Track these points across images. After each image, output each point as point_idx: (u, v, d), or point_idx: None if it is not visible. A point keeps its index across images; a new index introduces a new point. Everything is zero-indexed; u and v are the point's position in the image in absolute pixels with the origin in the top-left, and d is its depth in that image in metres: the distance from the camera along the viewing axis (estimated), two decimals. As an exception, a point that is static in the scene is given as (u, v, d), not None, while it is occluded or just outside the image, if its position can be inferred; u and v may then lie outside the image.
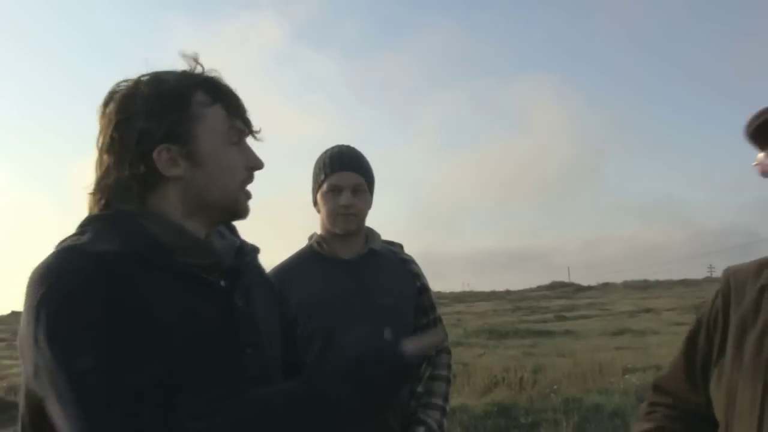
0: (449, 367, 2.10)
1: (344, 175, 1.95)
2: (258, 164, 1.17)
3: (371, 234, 2.08)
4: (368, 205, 2.01)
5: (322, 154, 2.02)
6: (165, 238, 1.05)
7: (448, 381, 2.06)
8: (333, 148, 2.03)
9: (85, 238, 1.01)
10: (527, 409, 6.94)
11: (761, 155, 1.15)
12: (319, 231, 2.04)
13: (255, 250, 1.26)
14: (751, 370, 1.10)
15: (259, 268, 1.30)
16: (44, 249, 1.04)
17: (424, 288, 2.11)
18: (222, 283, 1.10)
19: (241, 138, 1.15)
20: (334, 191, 1.94)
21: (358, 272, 1.98)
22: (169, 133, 1.06)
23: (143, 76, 1.10)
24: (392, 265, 2.07)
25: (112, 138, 1.06)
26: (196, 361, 1.01)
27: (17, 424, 1.04)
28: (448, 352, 2.13)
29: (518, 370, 9.05)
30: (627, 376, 8.20)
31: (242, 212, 1.17)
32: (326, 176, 1.95)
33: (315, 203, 2.03)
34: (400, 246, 2.22)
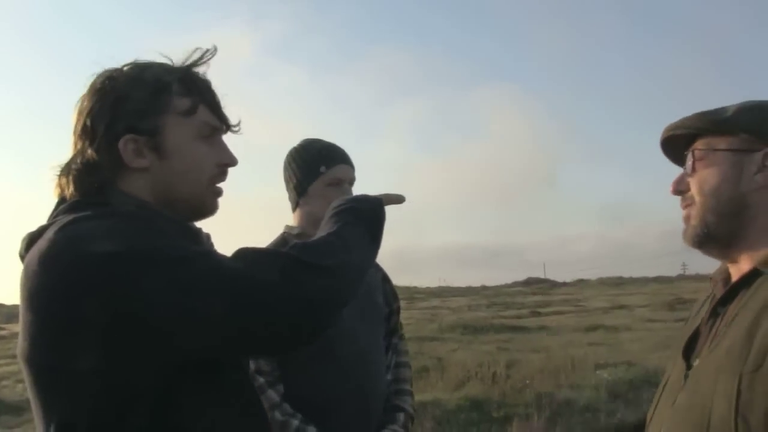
0: (408, 353, 2.15)
1: (344, 168, 1.94)
2: (230, 161, 1.16)
3: None
4: None
5: (306, 147, 1.97)
6: (162, 225, 1.04)
7: (409, 366, 2.12)
8: (316, 141, 1.99)
9: (92, 229, 0.98)
10: (500, 404, 6.96)
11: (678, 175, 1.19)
12: (291, 223, 1.99)
13: (208, 237, 1.23)
14: (669, 366, 1.20)
15: None
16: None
17: (386, 278, 2.12)
18: None
19: (213, 133, 1.14)
20: (336, 184, 1.91)
21: None
22: (136, 124, 1.06)
23: (125, 65, 1.11)
24: None
25: (84, 124, 1.08)
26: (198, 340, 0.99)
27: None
28: (405, 339, 2.19)
29: (492, 365, 9.08)
30: (599, 372, 8.27)
31: (208, 210, 1.16)
32: (328, 168, 1.92)
33: (302, 194, 1.95)
34: None
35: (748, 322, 0.99)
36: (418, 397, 6.69)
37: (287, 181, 1.99)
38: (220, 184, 1.16)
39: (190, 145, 1.10)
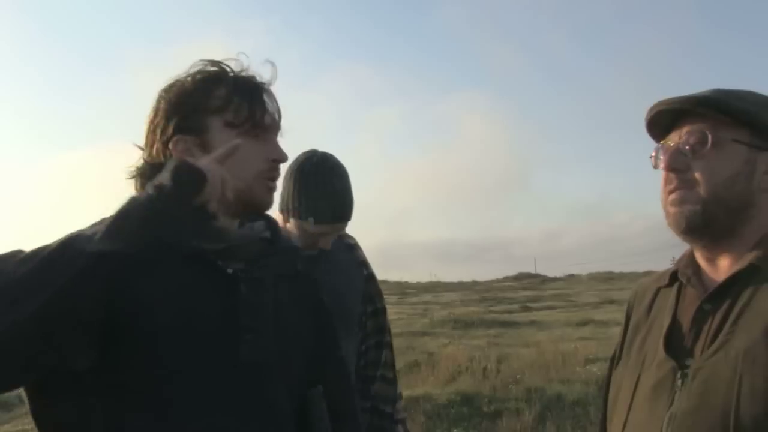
0: (386, 364, 2.10)
1: (337, 227, 1.90)
2: (279, 156, 1.21)
3: None
4: None
5: (319, 177, 1.88)
6: (178, 221, 1.07)
7: (387, 380, 2.09)
8: (333, 178, 1.89)
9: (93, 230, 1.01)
10: (490, 398, 6.99)
11: (656, 147, 1.15)
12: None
13: (293, 249, 1.33)
14: (632, 366, 1.16)
15: (294, 265, 1.30)
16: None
17: (371, 276, 2.10)
18: (229, 270, 1.14)
19: (260, 131, 1.19)
20: (320, 235, 1.89)
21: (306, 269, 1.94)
22: (184, 125, 1.16)
23: (181, 75, 1.20)
24: (341, 262, 2.01)
25: (147, 132, 1.20)
26: (194, 340, 1.05)
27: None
28: (390, 347, 2.13)
29: (482, 359, 9.11)
30: (588, 366, 8.30)
31: (260, 203, 1.21)
32: (317, 221, 1.86)
33: (284, 211, 1.92)
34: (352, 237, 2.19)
35: (763, 324, 0.96)
36: (409, 392, 6.71)
37: (284, 188, 1.93)
38: (273, 181, 1.22)
39: (235, 141, 1.15)
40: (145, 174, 1.18)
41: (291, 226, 1.93)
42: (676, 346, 1.08)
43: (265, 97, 1.22)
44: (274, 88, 1.24)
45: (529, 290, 36.57)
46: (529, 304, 24.05)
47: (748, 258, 1.04)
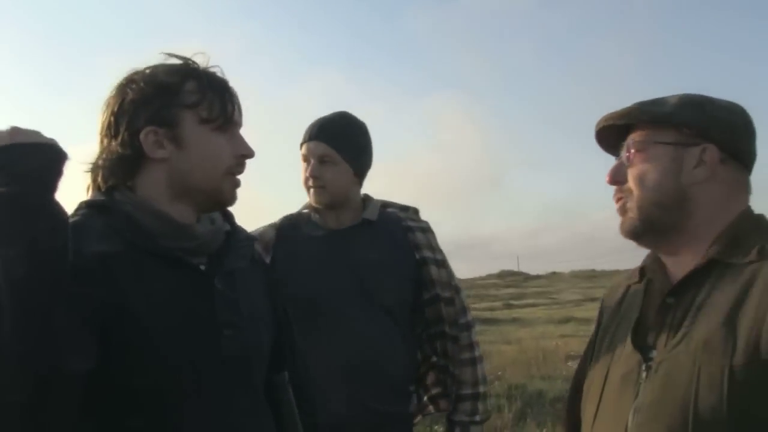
0: (470, 347, 2.01)
1: (311, 144, 1.87)
2: (248, 152, 1.20)
3: (368, 203, 1.97)
4: (342, 176, 1.88)
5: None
6: (147, 223, 1.11)
7: (472, 362, 2.00)
8: (323, 116, 1.94)
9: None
10: (472, 395, 7.00)
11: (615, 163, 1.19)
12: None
13: (249, 238, 1.31)
14: (603, 360, 1.20)
15: (251, 254, 1.30)
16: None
17: (424, 261, 1.94)
18: (202, 266, 1.15)
19: (229, 126, 1.18)
20: (305, 162, 1.88)
21: (344, 244, 1.89)
22: (156, 116, 1.12)
23: (146, 68, 1.17)
24: (388, 236, 1.94)
25: (109, 121, 1.14)
26: (173, 340, 1.06)
27: None
28: (467, 329, 2.02)
29: (465, 356, 9.12)
30: (570, 363, 8.36)
31: (227, 199, 1.20)
32: (300, 146, 1.91)
33: None
34: (415, 210, 2.08)
35: (722, 315, 0.99)
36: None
37: None
38: (239, 176, 1.20)
39: (206, 136, 1.15)
40: (114, 166, 1.14)
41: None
42: (643, 339, 1.12)
43: (232, 93, 1.21)
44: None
45: (512, 288, 36.76)
46: (511, 302, 24.18)
47: (708, 253, 1.07)
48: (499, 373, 8.01)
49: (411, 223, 2.00)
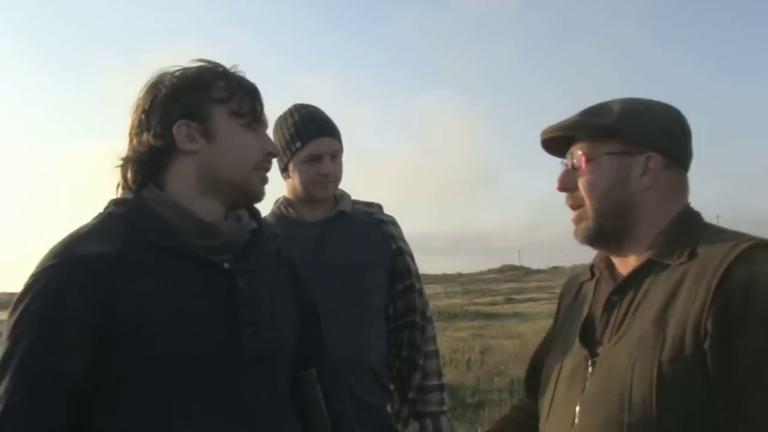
0: (433, 339, 2.06)
1: (323, 141, 1.84)
2: (274, 150, 1.24)
3: (341, 196, 1.97)
4: (342, 169, 1.91)
5: (286, 118, 1.89)
6: (173, 221, 1.12)
7: (435, 355, 2.05)
8: (298, 109, 1.90)
9: (88, 229, 1.12)
10: (474, 390, 7.03)
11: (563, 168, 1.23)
12: (286, 195, 1.95)
13: (275, 236, 1.31)
14: (557, 354, 1.25)
15: (276, 251, 1.31)
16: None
17: (400, 251, 1.97)
18: (226, 264, 1.15)
19: (258, 125, 1.21)
20: (313, 160, 1.84)
21: (322, 235, 1.88)
22: (189, 110, 1.15)
23: (175, 69, 1.19)
24: (363, 228, 1.95)
25: (140, 119, 1.16)
26: (191, 339, 1.07)
27: None
28: (431, 321, 2.06)
29: (466, 351, 9.15)
30: (571, 358, 8.37)
31: (255, 194, 1.22)
32: (303, 144, 1.84)
33: (284, 170, 1.91)
34: (379, 206, 2.11)
35: (654, 313, 1.05)
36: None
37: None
38: (267, 172, 1.23)
39: (237, 131, 1.18)
40: (145, 159, 1.16)
41: (288, 183, 1.91)
42: (590, 335, 1.18)
43: (261, 96, 1.24)
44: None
45: (512, 282, 36.80)
46: (513, 296, 24.20)
47: (648, 254, 1.12)
48: (501, 367, 8.03)
49: (381, 216, 2.04)
